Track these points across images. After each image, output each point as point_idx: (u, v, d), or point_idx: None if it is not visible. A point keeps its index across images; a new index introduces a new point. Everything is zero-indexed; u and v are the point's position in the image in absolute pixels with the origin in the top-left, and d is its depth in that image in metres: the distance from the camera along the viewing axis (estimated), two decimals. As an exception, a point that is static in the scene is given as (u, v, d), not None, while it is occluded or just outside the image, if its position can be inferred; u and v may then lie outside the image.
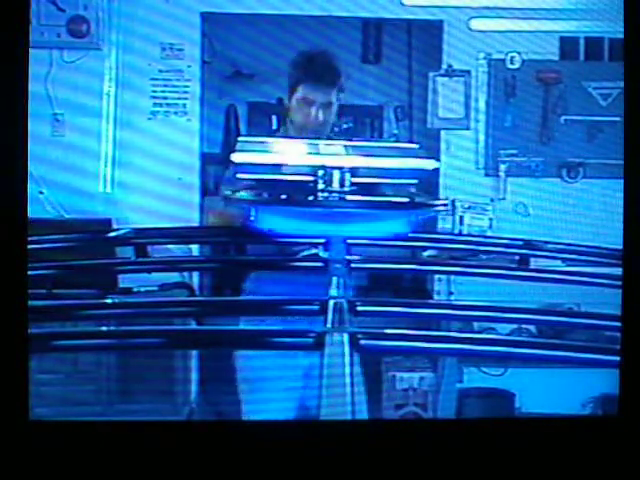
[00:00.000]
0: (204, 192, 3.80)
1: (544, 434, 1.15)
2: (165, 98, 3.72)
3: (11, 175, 1.29)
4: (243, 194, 2.29)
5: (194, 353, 3.23)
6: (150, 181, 3.58)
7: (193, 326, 2.37)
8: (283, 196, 2.25)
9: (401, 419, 1.37)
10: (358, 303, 1.69)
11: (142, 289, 3.17)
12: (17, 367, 1.13)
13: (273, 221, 2.11)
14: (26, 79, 1.29)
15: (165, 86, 3.72)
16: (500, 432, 1.16)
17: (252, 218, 2.06)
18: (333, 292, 1.85)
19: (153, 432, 1.16)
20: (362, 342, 1.46)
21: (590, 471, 1.10)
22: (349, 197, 2.20)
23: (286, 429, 1.28)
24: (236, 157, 2.18)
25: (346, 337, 1.46)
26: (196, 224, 3.57)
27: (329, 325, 1.56)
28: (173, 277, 3.33)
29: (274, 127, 4.43)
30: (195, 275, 3.59)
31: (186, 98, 3.74)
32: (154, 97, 3.70)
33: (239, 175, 2.26)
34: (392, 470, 1.19)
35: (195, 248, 3.34)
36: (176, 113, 3.72)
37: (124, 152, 3.61)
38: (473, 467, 1.15)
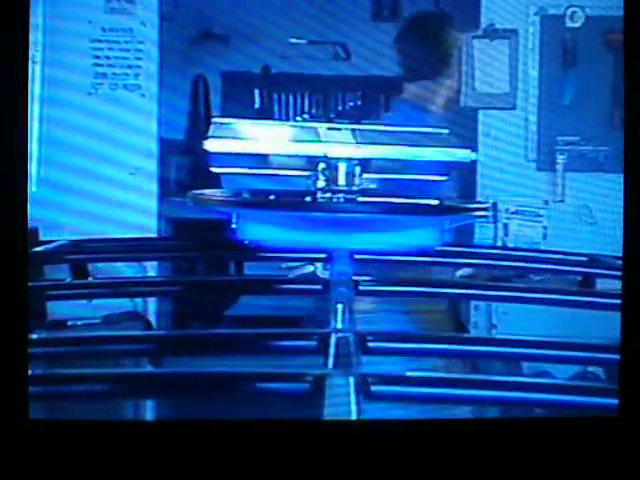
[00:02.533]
0: (163, 191, 3.85)
1: (544, 434, 1.38)
2: (111, 66, 3.76)
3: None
4: (219, 194, 2.33)
5: (149, 404, 3.26)
6: (91, 177, 3.61)
7: (149, 369, 2.40)
8: (272, 197, 2.29)
9: (401, 420, 1.50)
10: (369, 337, 1.73)
11: (80, 322, 3.20)
12: (17, 366, 1.38)
13: (258, 230, 2.14)
14: (25, 77, 1.47)
15: (110, 50, 3.76)
16: (500, 432, 1.39)
17: (234, 226, 2.10)
18: (336, 323, 1.89)
19: (154, 432, 1.40)
20: (373, 388, 1.50)
21: (590, 472, 1.34)
22: (359, 198, 2.23)
23: (286, 429, 1.45)
24: (210, 145, 2.22)
25: (352, 381, 1.50)
26: (153, 234, 3.61)
27: (330, 366, 1.60)
28: (122, 305, 3.36)
29: (257, 105, 4.49)
30: (151, 302, 3.63)
31: (139, 66, 3.78)
32: (96, 65, 3.74)
33: (213, 169, 2.30)
34: (393, 471, 1.38)
35: (152, 266, 3.39)
36: (126, 86, 3.76)
37: (55, 138, 3.65)
38: (472, 467, 1.38)
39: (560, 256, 2.50)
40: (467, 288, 2.37)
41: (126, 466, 1.38)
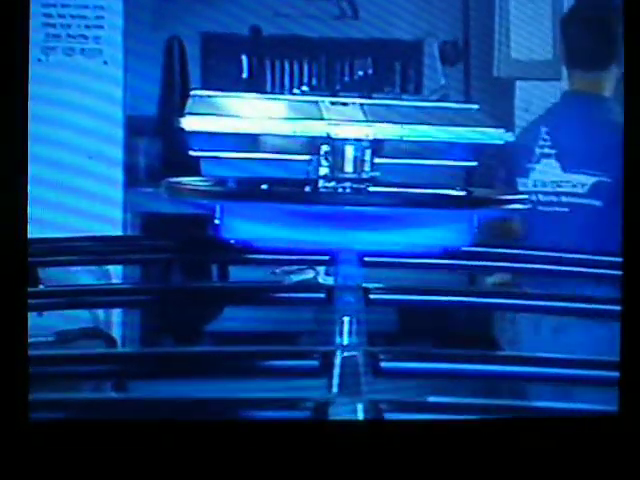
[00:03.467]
0: (130, 180, 3.88)
1: (544, 434, 1.56)
2: (66, 27, 3.78)
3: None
4: (199, 183, 2.35)
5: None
6: (40, 162, 3.63)
7: (112, 395, 2.43)
8: (263, 186, 2.32)
9: (399, 419, 1.64)
10: (381, 357, 1.76)
11: (29, 339, 3.23)
12: (17, 366, 1.62)
13: (247, 226, 2.17)
14: (26, 77, 1.64)
15: (65, 7, 3.78)
16: (501, 433, 1.56)
17: (217, 222, 2.12)
18: (341, 340, 1.92)
19: (156, 431, 1.57)
20: (387, 416, 1.54)
21: (590, 471, 1.55)
22: (370, 188, 2.25)
23: (290, 429, 1.61)
24: (187, 122, 2.25)
25: (360, 409, 1.53)
26: (118, 232, 3.64)
27: (335, 390, 1.64)
28: (80, 319, 3.39)
29: (245, 74, 4.51)
30: (116, 315, 3.65)
31: (100, 27, 3.80)
32: (47, 25, 3.76)
33: (192, 152, 2.32)
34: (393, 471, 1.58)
35: (117, 271, 3.41)
36: (84, 52, 3.78)
37: (-3, 114, 3.67)
38: (473, 467, 1.55)
39: (615, 258, 2.52)
40: (502, 297, 2.39)
41: (127, 466, 1.56)
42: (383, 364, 1.74)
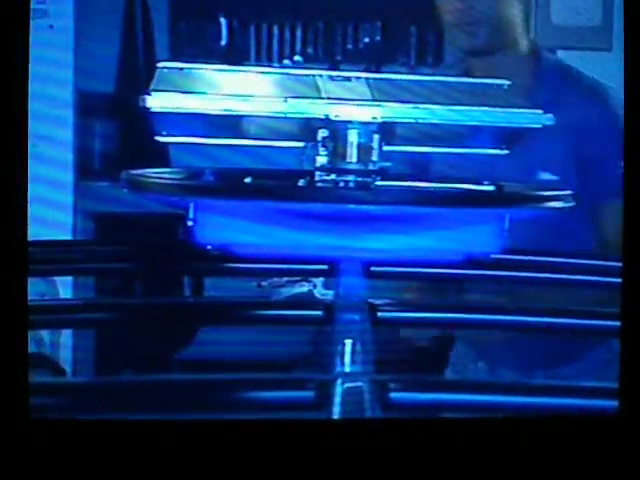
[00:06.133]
0: (82, 171, 3.91)
1: (543, 434, 1.74)
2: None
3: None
4: (169, 176, 2.38)
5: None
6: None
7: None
8: (247, 179, 2.35)
9: (399, 419, 1.77)
10: (392, 386, 1.80)
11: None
12: (17, 366, 1.84)
13: (227, 228, 2.19)
14: (26, 76, 1.78)
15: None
16: (501, 432, 1.73)
17: (191, 223, 2.14)
18: (343, 367, 1.96)
19: (157, 431, 1.76)
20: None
21: (590, 472, 1.75)
22: (378, 182, 2.28)
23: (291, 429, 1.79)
24: (153, 101, 2.27)
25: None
26: (67, 235, 3.67)
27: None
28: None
29: (223, 41, 4.54)
30: (64, 337, 3.69)
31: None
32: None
33: (160, 137, 2.35)
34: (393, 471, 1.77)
35: (65, 283, 3.44)
36: (25, 12, 3.83)
37: None
38: (472, 467, 1.73)
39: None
40: (544, 315, 2.42)
41: (127, 467, 1.75)
42: (394, 395, 1.78)
